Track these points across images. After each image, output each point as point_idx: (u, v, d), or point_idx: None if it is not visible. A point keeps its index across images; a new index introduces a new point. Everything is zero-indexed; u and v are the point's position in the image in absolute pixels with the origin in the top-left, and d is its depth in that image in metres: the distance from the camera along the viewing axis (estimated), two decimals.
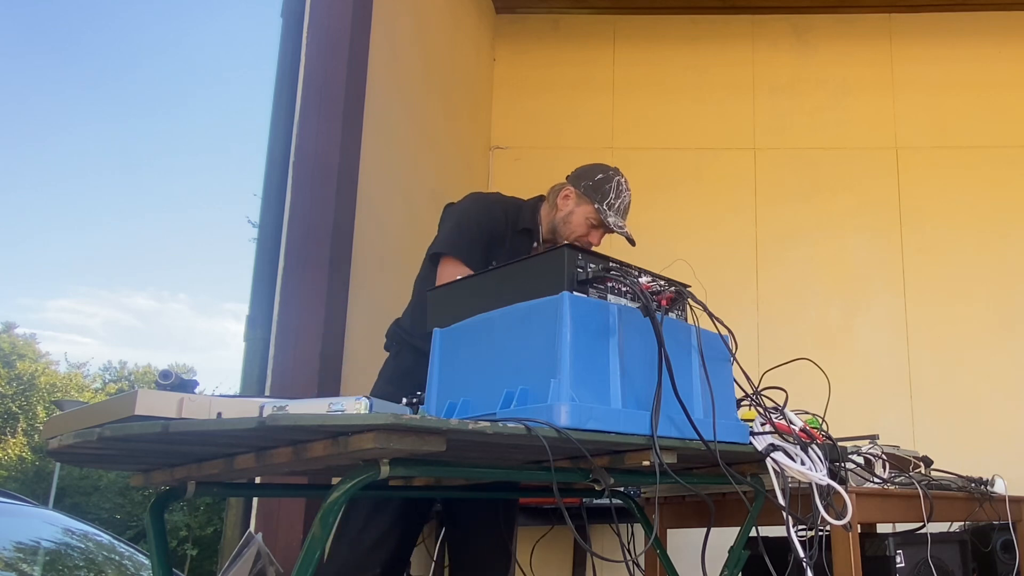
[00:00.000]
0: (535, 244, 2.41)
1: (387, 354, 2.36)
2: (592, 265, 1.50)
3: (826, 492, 1.60)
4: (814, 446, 1.66)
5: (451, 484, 1.85)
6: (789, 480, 1.58)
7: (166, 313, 55.39)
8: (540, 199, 2.46)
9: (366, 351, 2.60)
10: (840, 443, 1.85)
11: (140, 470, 1.54)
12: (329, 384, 2.47)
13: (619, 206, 2.37)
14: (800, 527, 1.60)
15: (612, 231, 2.38)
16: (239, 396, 1.67)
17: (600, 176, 2.38)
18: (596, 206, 2.34)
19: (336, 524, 1.66)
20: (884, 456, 2.34)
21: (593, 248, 2.33)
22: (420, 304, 2.32)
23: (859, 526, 2.12)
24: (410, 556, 2.25)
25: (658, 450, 1.36)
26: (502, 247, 2.31)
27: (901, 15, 4.49)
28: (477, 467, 1.52)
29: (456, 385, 1.54)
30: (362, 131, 2.82)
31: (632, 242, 2.39)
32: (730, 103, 4.45)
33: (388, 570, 2.13)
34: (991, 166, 4.25)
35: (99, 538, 3.27)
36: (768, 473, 1.61)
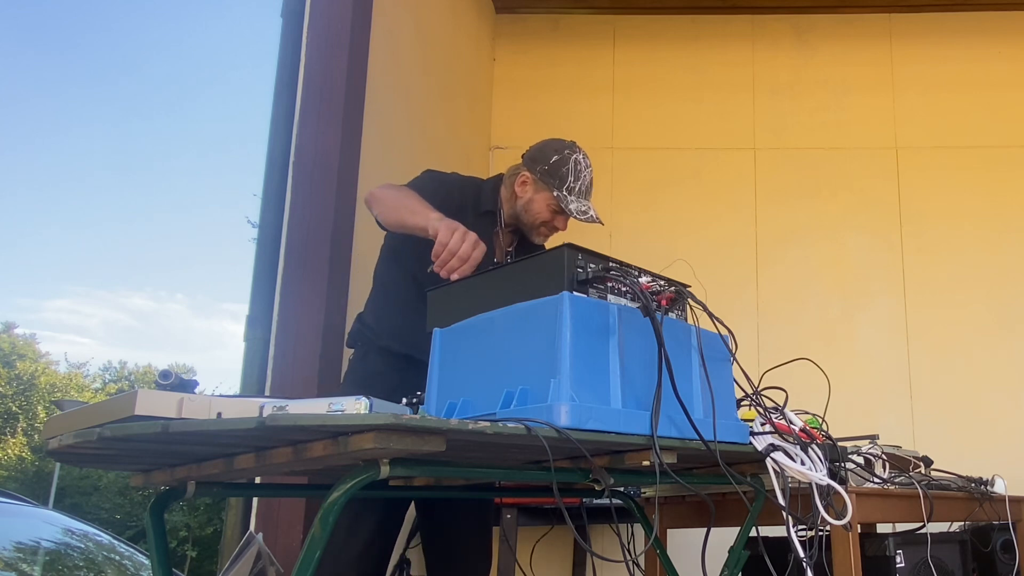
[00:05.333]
0: (497, 228, 2.30)
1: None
2: (592, 265, 1.50)
3: (826, 492, 1.60)
4: (814, 446, 1.66)
5: (424, 485, 1.81)
6: (789, 480, 1.58)
7: (164, 313, 55.49)
8: (500, 178, 2.34)
9: None
10: (840, 443, 1.85)
11: (140, 470, 1.54)
12: (329, 384, 2.47)
13: (579, 188, 2.20)
14: (800, 527, 1.60)
15: (576, 217, 2.21)
16: (239, 396, 1.67)
17: (556, 158, 2.21)
18: (555, 193, 2.20)
19: None
20: (884, 456, 2.33)
21: (559, 231, 2.26)
22: (382, 297, 2.29)
23: (859, 526, 2.12)
24: (388, 564, 2.23)
25: (658, 450, 1.36)
26: None
27: (901, 15, 4.49)
28: (477, 467, 1.52)
29: (456, 385, 1.54)
30: (362, 131, 2.81)
31: (600, 222, 2.24)
32: (730, 103, 4.45)
33: None
34: (991, 166, 4.25)
35: (99, 538, 3.27)
36: (768, 473, 1.61)
